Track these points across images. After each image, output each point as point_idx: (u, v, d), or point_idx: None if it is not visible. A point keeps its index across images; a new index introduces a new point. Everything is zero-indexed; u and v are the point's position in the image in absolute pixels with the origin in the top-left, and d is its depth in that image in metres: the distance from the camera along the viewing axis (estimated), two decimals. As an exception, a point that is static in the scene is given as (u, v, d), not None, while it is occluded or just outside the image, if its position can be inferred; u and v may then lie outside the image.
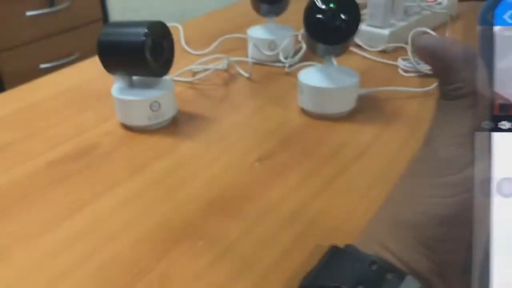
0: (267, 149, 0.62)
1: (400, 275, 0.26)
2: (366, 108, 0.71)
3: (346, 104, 0.68)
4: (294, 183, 0.55)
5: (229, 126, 0.68)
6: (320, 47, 0.66)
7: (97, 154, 0.62)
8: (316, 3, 0.64)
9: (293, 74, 0.83)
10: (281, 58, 0.86)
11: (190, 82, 0.82)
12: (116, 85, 0.69)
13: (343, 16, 0.64)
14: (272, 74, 0.84)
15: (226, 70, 0.86)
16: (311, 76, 0.69)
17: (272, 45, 0.86)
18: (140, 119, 0.66)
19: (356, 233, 0.31)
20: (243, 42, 0.98)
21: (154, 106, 0.65)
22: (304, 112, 0.70)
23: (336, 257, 0.29)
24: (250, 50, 0.85)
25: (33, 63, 1.96)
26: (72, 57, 2.07)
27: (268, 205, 0.51)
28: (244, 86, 0.80)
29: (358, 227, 0.32)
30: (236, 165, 0.59)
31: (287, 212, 0.50)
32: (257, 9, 0.86)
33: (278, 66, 0.87)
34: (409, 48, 0.83)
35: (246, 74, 0.83)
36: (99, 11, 2.18)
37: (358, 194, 0.52)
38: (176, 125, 0.69)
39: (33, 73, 2.00)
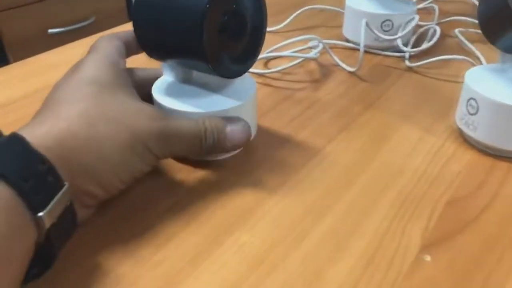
0: (430, 226, 0.34)
1: (60, 181, 0.27)
2: None
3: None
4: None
5: (338, 165, 0.40)
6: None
7: (116, 199, 0.34)
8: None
9: (419, 71, 0.55)
10: (400, 45, 0.56)
11: (264, 76, 0.54)
12: (161, 79, 0.40)
13: None
14: (385, 69, 0.55)
15: (315, 58, 0.57)
16: (490, 84, 0.40)
17: (386, 24, 0.56)
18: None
19: None
20: (333, 16, 0.69)
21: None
22: (470, 143, 0.42)
23: (8, 145, 0.27)
24: (362, 30, 0.55)
25: (41, 27, 1.67)
26: (86, 22, 1.78)
27: None
28: (348, 87, 0.52)
29: None
30: (381, 260, 0.31)
31: None
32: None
33: (392, 57, 0.58)
34: None
35: (350, 68, 0.54)
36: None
37: None
38: (248, 156, 0.40)
39: (40, 39, 1.71)
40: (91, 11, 1.80)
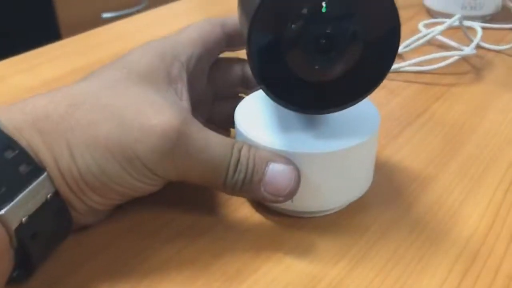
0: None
1: (37, 170, 0.22)
2: None
3: None
4: None
5: (441, 129, 0.37)
6: None
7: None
8: None
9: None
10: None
11: (397, 72, 0.45)
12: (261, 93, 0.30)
13: None
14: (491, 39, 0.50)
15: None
16: None
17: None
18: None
19: None
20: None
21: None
22: None
23: None
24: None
25: (95, 11, 1.69)
26: (139, 7, 1.79)
27: None
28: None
29: None
30: (502, 229, 0.28)
31: None
32: None
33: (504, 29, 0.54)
34: None
35: (495, 46, 0.49)
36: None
37: None
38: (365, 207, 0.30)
39: (94, 23, 1.73)
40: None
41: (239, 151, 0.25)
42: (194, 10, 0.66)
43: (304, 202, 0.27)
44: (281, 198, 0.26)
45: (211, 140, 0.25)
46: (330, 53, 0.24)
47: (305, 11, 0.23)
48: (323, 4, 0.23)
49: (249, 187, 0.25)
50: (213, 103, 0.34)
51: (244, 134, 0.27)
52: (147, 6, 1.81)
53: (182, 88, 0.27)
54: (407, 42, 0.48)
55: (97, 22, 1.67)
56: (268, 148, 0.26)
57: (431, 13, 0.58)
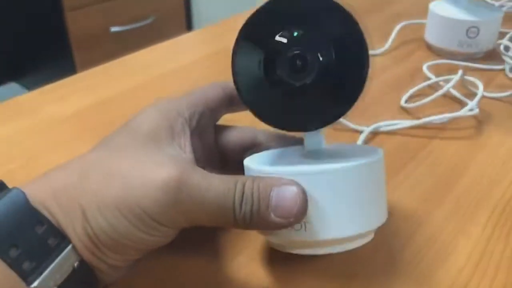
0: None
1: (63, 242, 0.25)
2: None
3: None
4: None
5: (434, 173, 0.41)
6: None
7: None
8: None
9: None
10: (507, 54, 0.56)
11: (391, 133, 0.46)
12: (270, 153, 0.33)
13: None
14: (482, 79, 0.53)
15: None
16: None
17: (471, 31, 0.57)
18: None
19: None
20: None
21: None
22: None
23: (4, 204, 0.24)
24: None
25: (104, 25, 1.73)
26: (145, 22, 1.83)
27: None
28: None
29: None
30: (489, 263, 0.32)
31: None
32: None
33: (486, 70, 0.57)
34: None
35: (492, 94, 0.51)
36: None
37: None
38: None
39: (103, 37, 1.78)
40: (150, 10, 1.85)
41: (243, 184, 0.26)
42: (207, 41, 0.69)
43: (316, 228, 0.27)
44: (292, 219, 0.26)
45: (213, 181, 0.26)
46: (304, 73, 0.27)
47: (281, 37, 0.28)
48: (296, 30, 0.27)
49: (259, 216, 0.26)
50: (222, 166, 0.35)
51: (250, 167, 0.29)
52: (155, 21, 1.86)
53: (186, 142, 0.30)
54: (414, 89, 0.51)
55: (106, 35, 1.72)
56: (272, 174, 0.27)
57: (430, 48, 0.62)
